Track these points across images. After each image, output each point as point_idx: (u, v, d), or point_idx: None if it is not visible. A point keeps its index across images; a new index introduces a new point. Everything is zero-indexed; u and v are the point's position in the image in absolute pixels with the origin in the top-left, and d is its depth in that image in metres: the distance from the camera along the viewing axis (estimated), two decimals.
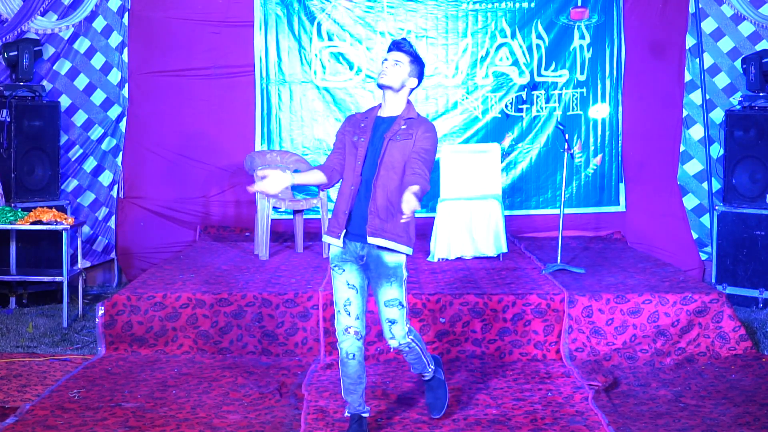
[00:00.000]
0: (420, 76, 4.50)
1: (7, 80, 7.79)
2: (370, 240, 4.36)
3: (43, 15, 7.95)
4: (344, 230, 4.41)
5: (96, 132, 8.51)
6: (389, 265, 4.40)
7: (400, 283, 4.43)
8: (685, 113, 8.94)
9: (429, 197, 8.81)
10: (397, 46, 4.48)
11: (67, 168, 8.25)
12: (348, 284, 4.43)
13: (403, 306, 4.44)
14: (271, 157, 8.29)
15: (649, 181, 9.04)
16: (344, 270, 4.44)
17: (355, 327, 4.43)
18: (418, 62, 4.48)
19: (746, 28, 8.56)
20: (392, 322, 4.45)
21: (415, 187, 4.15)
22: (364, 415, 4.55)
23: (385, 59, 4.47)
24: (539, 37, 8.93)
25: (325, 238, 4.51)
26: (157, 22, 8.72)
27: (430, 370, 4.75)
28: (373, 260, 4.41)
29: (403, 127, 4.43)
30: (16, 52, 7.64)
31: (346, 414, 4.58)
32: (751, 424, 4.85)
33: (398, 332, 4.47)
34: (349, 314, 4.42)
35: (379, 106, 4.56)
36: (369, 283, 4.49)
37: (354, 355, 4.43)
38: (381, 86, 4.47)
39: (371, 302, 4.66)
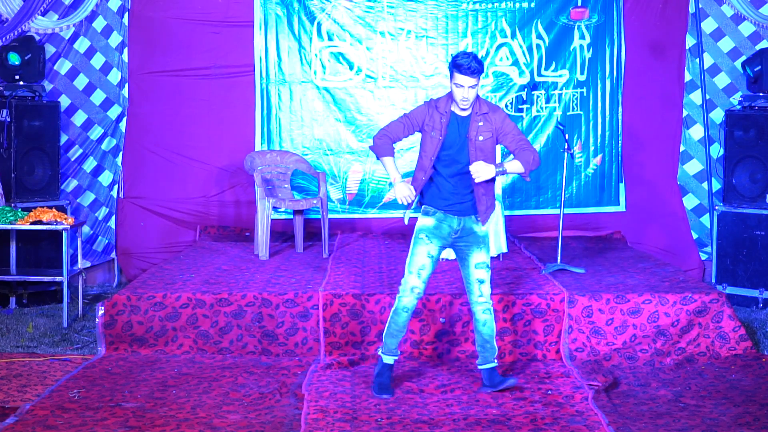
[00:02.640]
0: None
1: (7, 80, 7.79)
2: (465, 217, 5.20)
3: (43, 15, 7.94)
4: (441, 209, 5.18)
5: (96, 132, 8.51)
6: (479, 234, 5.23)
7: (488, 248, 5.28)
8: (685, 113, 8.94)
9: None
10: (473, 73, 4.98)
11: (67, 168, 8.25)
12: (428, 254, 5.19)
13: (489, 268, 5.27)
14: (271, 157, 8.30)
15: (649, 181, 9.04)
16: (431, 242, 5.19)
17: (419, 289, 5.24)
18: (483, 68, 5.09)
19: (746, 28, 8.57)
20: (481, 281, 5.22)
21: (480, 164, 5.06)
22: (394, 358, 5.34)
23: (460, 85, 5.01)
24: (539, 37, 8.93)
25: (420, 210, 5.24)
26: (157, 22, 8.72)
27: (495, 359, 5.36)
28: (468, 232, 5.20)
29: (479, 124, 5.12)
30: (16, 52, 7.64)
31: (379, 353, 5.37)
32: (751, 424, 4.85)
33: (486, 291, 5.23)
34: (419, 277, 5.21)
35: (450, 98, 5.13)
36: (457, 251, 5.25)
37: (408, 310, 5.24)
38: (464, 109, 5.11)
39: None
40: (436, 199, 5.20)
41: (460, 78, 5.01)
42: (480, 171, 5.03)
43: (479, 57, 5.09)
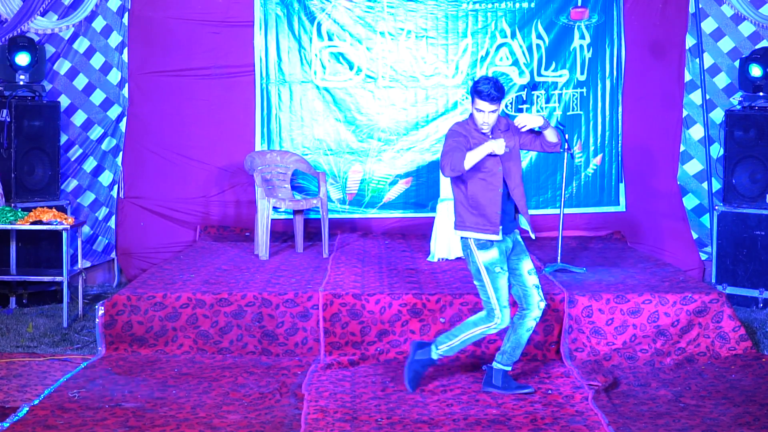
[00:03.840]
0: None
1: (8, 80, 7.79)
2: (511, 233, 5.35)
3: (43, 15, 7.95)
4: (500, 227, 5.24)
5: (95, 132, 8.51)
6: (521, 243, 5.38)
7: (528, 253, 5.43)
8: (685, 113, 8.94)
9: (429, 197, 8.86)
10: (492, 98, 5.07)
11: (67, 168, 8.26)
12: (508, 280, 5.28)
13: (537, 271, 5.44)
14: (271, 157, 8.29)
15: (649, 181, 9.04)
16: (504, 270, 5.26)
17: (510, 311, 5.28)
18: (504, 94, 5.23)
19: (746, 28, 8.57)
20: (538, 287, 5.33)
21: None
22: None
23: (481, 110, 5.10)
24: (539, 37, 8.93)
25: (488, 237, 5.23)
26: (157, 22, 8.72)
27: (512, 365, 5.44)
28: (515, 244, 5.35)
29: (501, 136, 5.18)
30: (16, 52, 7.64)
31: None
32: (751, 424, 4.85)
33: (542, 294, 5.35)
34: (507, 305, 5.24)
35: (472, 120, 5.22)
36: (508, 266, 5.29)
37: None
38: (486, 134, 5.19)
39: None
40: (504, 226, 5.27)
41: (480, 104, 5.12)
42: (525, 119, 5.15)
43: (500, 82, 5.13)
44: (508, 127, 5.31)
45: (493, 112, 5.12)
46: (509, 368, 5.39)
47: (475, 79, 5.23)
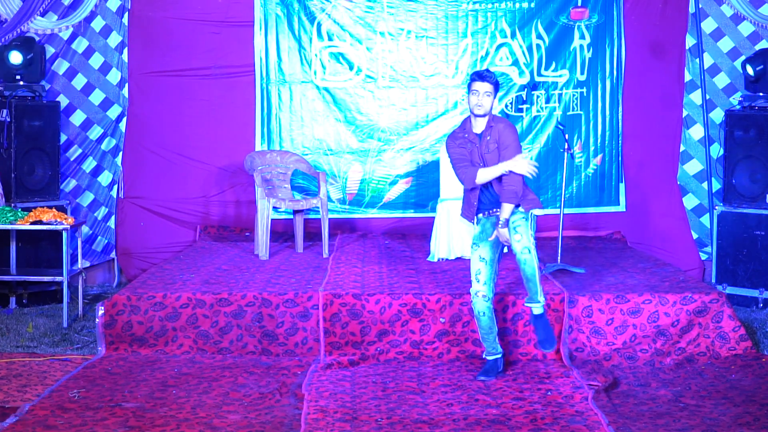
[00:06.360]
0: (496, 95, 5.56)
1: (8, 80, 7.79)
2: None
3: (42, 15, 7.95)
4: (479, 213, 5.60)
5: (95, 132, 8.51)
6: (522, 222, 5.49)
7: (526, 222, 5.55)
8: (685, 113, 8.94)
9: (429, 197, 8.86)
10: (482, 77, 5.46)
11: (66, 168, 8.26)
12: (480, 258, 5.50)
13: (527, 221, 5.56)
14: (271, 157, 8.29)
15: (649, 181, 9.04)
16: (479, 247, 5.52)
17: (482, 291, 5.47)
18: (498, 86, 5.55)
19: (746, 28, 8.57)
20: (517, 226, 5.46)
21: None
22: (498, 356, 5.66)
23: (475, 91, 5.44)
24: (539, 37, 8.93)
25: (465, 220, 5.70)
26: (157, 22, 8.72)
27: (542, 299, 5.61)
28: (509, 223, 5.50)
29: (488, 138, 5.50)
30: (18, 51, 7.64)
31: (484, 356, 5.72)
32: (751, 424, 4.85)
33: (526, 249, 5.46)
34: (478, 281, 5.48)
35: (469, 122, 5.56)
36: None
37: (485, 313, 5.50)
38: (477, 116, 5.49)
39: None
40: (481, 207, 5.63)
41: (475, 85, 5.48)
42: (520, 166, 5.41)
43: (493, 72, 5.58)
44: (494, 125, 5.54)
45: (487, 95, 5.46)
46: (539, 304, 5.57)
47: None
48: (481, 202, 5.61)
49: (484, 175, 5.45)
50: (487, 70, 5.59)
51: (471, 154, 5.52)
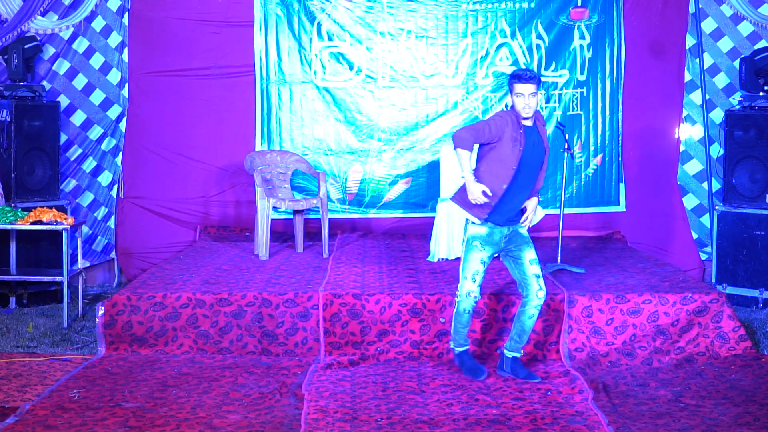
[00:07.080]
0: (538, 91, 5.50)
1: (7, 80, 7.79)
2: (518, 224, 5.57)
3: (43, 15, 7.95)
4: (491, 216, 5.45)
5: (95, 132, 8.51)
6: (525, 235, 5.57)
7: (534, 246, 5.60)
8: (685, 113, 8.94)
9: (429, 197, 8.86)
10: (525, 79, 5.34)
11: (66, 168, 8.26)
12: (482, 260, 5.48)
13: (540, 262, 5.63)
14: (271, 157, 8.29)
15: (649, 181, 9.05)
16: (483, 250, 5.47)
17: (475, 292, 5.50)
18: (540, 82, 5.45)
19: (746, 28, 8.57)
20: (538, 276, 5.51)
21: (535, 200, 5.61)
22: (466, 347, 5.67)
23: (520, 94, 5.34)
24: (539, 37, 8.93)
25: (472, 217, 5.48)
26: (157, 22, 8.72)
27: (522, 350, 5.64)
28: (516, 235, 5.53)
29: (534, 136, 5.46)
30: (15, 52, 7.65)
31: (451, 346, 5.71)
32: (751, 424, 4.85)
33: (543, 283, 5.53)
34: (474, 282, 5.48)
35: (516, 113, 5.42)
36: (508, 254, 5.54)
37: (469, 311, 5.54)
38: (525, 118, 5.39)
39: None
40: (496, 215, 5.45)
41: (520, 87, 5.37)
42: (538, 216, 5.70)
43: (532, 69, 5.64)
44: (535, 123, 5.50)
45: (533, 95, 5.36)
46: (519, 354, 5.62)
47: (510, 73, 5.51)
48: (499, 212, 5.45)
49: (463, 157, 5.34)
50: (528, 69, 5.55)
51: (517, 140, 5.36)
